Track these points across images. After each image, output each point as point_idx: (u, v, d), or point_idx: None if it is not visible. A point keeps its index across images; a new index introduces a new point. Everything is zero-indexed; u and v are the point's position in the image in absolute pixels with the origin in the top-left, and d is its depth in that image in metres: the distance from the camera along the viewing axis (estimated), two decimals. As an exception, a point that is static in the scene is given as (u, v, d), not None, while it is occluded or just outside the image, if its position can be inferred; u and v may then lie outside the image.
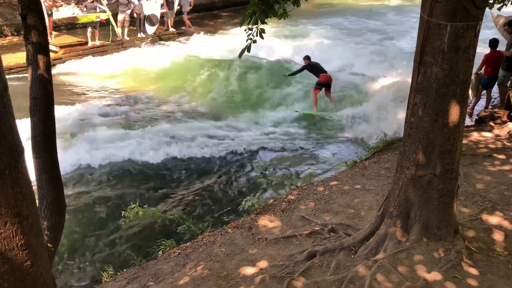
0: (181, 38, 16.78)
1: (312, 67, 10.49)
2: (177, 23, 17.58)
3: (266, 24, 5.40)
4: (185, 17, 17.43)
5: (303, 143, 9.36)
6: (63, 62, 13.78)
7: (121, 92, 12.12)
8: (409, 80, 3.73)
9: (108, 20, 14.60)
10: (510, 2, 7.60)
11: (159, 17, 15.95)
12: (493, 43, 8.71)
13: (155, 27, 15.99)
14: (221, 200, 7.40)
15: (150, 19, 15.63)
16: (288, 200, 5.77)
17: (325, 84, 10.52)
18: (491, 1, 7.37)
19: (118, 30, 15.06)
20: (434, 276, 3.52)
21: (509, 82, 8.86)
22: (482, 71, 9.06)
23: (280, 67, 13.17)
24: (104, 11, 14.59)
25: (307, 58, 10.61)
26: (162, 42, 16.18)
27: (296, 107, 10.94)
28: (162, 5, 16.21)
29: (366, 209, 5.22)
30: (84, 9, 14.49)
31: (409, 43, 15.50)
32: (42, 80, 2.94)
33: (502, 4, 7.41)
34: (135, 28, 15.90)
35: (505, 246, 3.96)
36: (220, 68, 13.01)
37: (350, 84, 11.98)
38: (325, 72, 10.55)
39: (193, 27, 17.73)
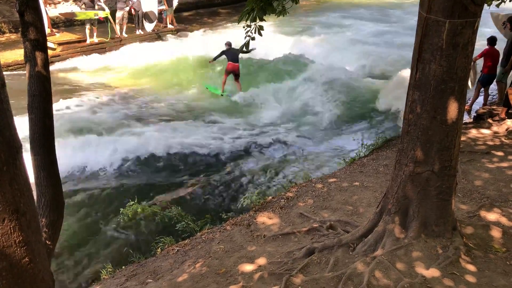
0: (180, 35, 16.75)
1: (227, 53, 11.32)
2: (175, 19, 17.56)
3: (265, 21, 5.40)
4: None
5: (301, 140, 9.37)
6: (62, 59, 13.76)
7: (119, 89, 12.10)
8: (408, 77, 3.73)
9: (106, 18, 14.56)
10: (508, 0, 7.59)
11: (157, 14, 15.92)
12: (492, 40, 8.72)
13: (154, 24, 15.96)
14: (219, 197, 7.40)
15: (148, 16, 15.60)
16: (286, 197, 5.78)
17: (231, 72, 11.49)
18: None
19: (117, 27, 15.02)
20: (432, 272, 3.53)
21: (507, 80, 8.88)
22: (480, 64, 9.06)
23: (280, 64, 13.18)
24: (103, 9, 14.55)
25: (228, 44, 11.39)
26: (161, 39, 16.16)
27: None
28: (160, 2, 16.17)
29: (365, 206, 5.23)
30: (83, 6, 14.46)
31: (407, 39, 15.49)
32: (40, 77, 2.93)
33: (500, 1, 7.41)
34: (134, 25, 15.87)
35: (503, 242, 3.96)
36: (218, 66, 12.99)
37: (350, 80, 11.97)
38: (235, 61, 11.36)
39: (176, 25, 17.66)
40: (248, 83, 12.12)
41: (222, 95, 11.61)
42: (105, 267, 5.07)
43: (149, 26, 15.88)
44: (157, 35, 16.29)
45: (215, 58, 11.72)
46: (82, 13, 14.29)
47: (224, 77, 11.59)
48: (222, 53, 11.44)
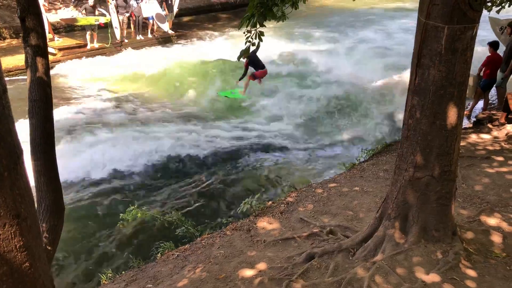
0: (180, 40, 16.81)
1: (253, 61, 10.91)
2: (175, 25, 17.63)
3: (265, 26, 5.42)
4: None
5: (301, 145, 9.37)
6: (62, 64, 13.79)
7: (119, 94, 12.13)
8: (407, 82, 3.75)
9: (107, 23, 14.61)
10: (507, 5, 7.61)
11: (164, 15, 16.03)
12: (494, 45, 8.73)
13: (166, 23, 16.09)
14: (219, 202, 7.40)
15: (158, 18, 15.71)
16: (286, 202, 5.78)
17: (261, 77, 11.37)
18: (488, 4, 7.39)
19: (118, 33, 15.06)
20: (433, 277, 3.53)
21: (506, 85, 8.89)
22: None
23: (279, 69, 13.21)
24: (104, 15, 14.60)
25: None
26: (161, 44, 16.21)
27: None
28: (161, 8, 16.25)
29: (365, 211, 5.23)
30: (84, 11, 14.52)
31: (405, 44, 15.52)
32: (41, 82, 2.95)
33: (500, 7, 7.43)
34: (134, 30, 15.93)
35: (503, 247, 3.96)
36: (218, 71, 13.03)
37: (350, 86, 12.00)
38: (263, 67, 11.20)
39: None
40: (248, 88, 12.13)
41: (241, 98, 11.30)
42: (105, 272, 5.06)
43: (165, 26, 16.04)
44: (158, 40, 16.34)
45: (243, 76, 11.21)
46: (83, 18, 14.34)
47: (248, 80, 11.29)
48: (247, 66, 10.97)
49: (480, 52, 9.52)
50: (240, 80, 11.26)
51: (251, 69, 11.19)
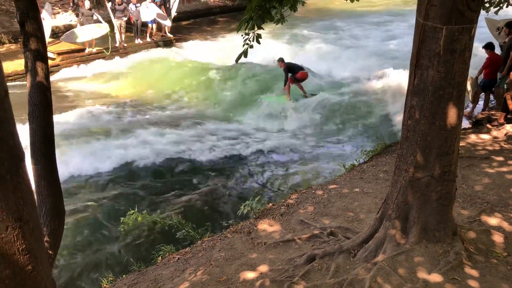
0: (179, 44, 16.83)
1: (290, 68, 10.96)
2: (174, 28, 17.65)
3: (263, 29, 5.43)
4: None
5: (301, 148, 9.38)
6: (61, 69, 13.81)
7: (118, 98, 12.14)
8: (406, 83, 3.76)
9: (107, 32, 14.48)
10: (506, 5, 7.65)
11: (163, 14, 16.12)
12: (491, 46, 8.76)
13: (168, 20, 16.23)
14: (220, 204, 7.40)
15: (160, 16, 15.79)
16: (287, 204, 5.78)
17: (302, 79, 11.22)
18: (487, 5, 7.43)
19: (116, 37, 15.07)
20: (434, 277, 3.53)
21: (505, 85, 8.92)
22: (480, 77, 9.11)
23: (276, 71, 13.20)
24: (100, 22, 14.52)
25: (281, 60, 10.89)
26: (160, 47, 16.22)
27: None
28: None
29: (365, 212, 5.23)
30: (81, 18, 14.52)
31: (403, 45, 15.55)
32: (41, 87, 2.95)
33: (498, 7, 7.46)
34: (132, 34, 15.95)
35: (504, 247, 3.96)
36: (217, 73, 13.05)
37: (348, 88, 12.01)
38: (303, 69, 11.14)
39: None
40: (245, 89, 12.13)
41: (289, 100, 11.17)
42: (106, 276, 5.06)
43: (167, 22, 16.27)
44: (156, 44, 16.35)
45: (285, 83, 11.18)
46: (80, 32, 14.16)
47: (288, 85, 11.16)
48: (287, 73, 10.97)
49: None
50: (284, 86, 11.21)
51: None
